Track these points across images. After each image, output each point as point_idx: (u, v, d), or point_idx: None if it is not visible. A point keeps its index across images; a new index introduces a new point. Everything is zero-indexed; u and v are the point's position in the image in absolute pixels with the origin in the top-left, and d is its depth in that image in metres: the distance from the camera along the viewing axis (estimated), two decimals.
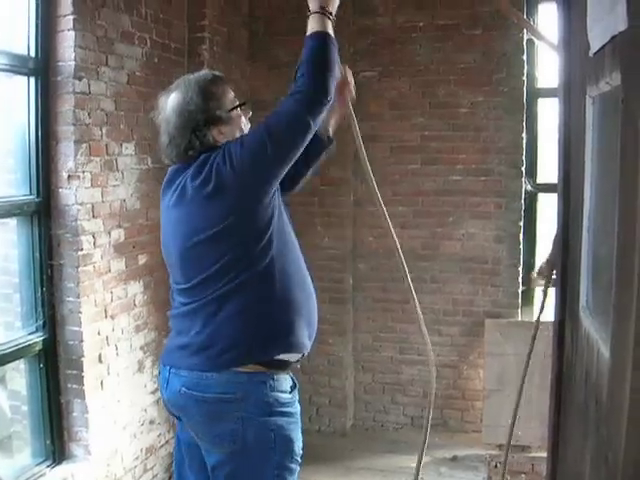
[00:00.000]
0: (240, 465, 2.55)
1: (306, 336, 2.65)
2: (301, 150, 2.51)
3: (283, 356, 2.59)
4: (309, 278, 2.71)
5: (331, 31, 2.59)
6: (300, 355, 2.67)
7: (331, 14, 2.61)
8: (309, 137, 2.50)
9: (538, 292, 5.61)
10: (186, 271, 2.61)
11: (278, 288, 2.55)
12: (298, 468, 2.65)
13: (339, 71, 2.63)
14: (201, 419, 2.57)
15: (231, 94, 2.68)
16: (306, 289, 2.67)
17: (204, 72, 2.75)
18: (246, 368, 2.52)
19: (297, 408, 2.65)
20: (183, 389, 2.56)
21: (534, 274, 3.16)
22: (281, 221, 2.60)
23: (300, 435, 2.64)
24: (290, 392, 2.63)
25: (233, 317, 2.51)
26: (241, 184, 2.45)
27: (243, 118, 2.71)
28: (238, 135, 2.63)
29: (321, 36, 2.55)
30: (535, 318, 3.51)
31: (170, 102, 2.62)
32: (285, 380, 2.62)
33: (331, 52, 2.54)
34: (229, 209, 2.47)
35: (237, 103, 2.69)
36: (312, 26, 2.58)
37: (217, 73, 2.74)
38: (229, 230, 2.47)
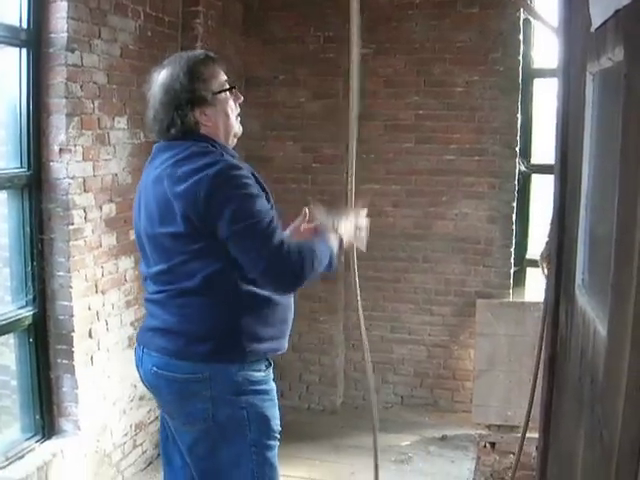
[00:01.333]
0: (214, 443, 2.55)
1: (277, 340, 2.63)
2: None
3: (254, 357, 2.56)
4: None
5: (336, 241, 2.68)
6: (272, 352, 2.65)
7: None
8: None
9: (531, 273, 5.63)
10: (154, 256, 2.59)
11: (245, 292, 2.50)
12: (277, 444, 2.65)
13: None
14: (172, 398, 2.58)
15: (222, 77, 2.63)
16: (283, 302, 2.63)
17: (199, 51, 2.72)
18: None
19: (272, 385, 2.63)
20: (154, 369, 2.56)
21: (540, 259, 3.13)
22: None
23: (277, 412, 2.63)
24: (264, 370, 2.61)
25: (200, 310, 2.49)
26: (207, 220, 2.41)
27: (231, 102, 2.65)
28: (223, 118, 2.60)
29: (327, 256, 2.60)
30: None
31: (159, 78, 2.58)
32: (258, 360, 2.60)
33: (322, 266, 2.57)
34: (194, 219, 2.41)
35: (226, 87, 2.64)
36: (327, 235, 2.67)
37: (211, 54, 2.69)
38: (194, 234, 2.44)
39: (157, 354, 2.56)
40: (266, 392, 2.60)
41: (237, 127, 2.69)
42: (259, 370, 2.58)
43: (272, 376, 2.66)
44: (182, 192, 2.40)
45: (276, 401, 2.64)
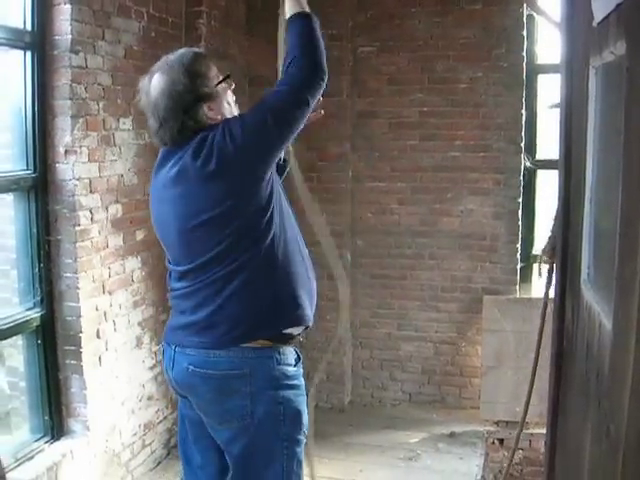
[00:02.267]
0: (252, 440, 2.56)
1: (308, 308, 2.65)
2: (300, 127, 2.53)
3: (288, 330, 2.60)
4: (307, 254, 2.72)
5: (308, 8, 2.62)
6: (304, 327, 2.68)
7: None
8: (308, 114, 2.53)
9: (537, 269, 5.62)
10: (187, 252, 2.58)
11: (279, 265, 2.55)
12: (305, 439, 2.67)
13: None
14: (210, 396, 2.57)
15: (214, 69, 2.64)
16: (305, 264, 2.68)
17: (184, 50, 2.69)
18: (252, 343, 2.52)
19: (302, 381, 2.67)
20: (191, 367, 2.55)
21: (542, 254, 3.12)
22: (280, 200, 2.59)
23: (306, 407, 2.66)
24: (295, 365, 2.64)
25: (237, 296, 2.50)
26: (243, 161, 2.44)
27: (229, 91, 2.68)
28: (227, 108, 2.62)
29: (304, 18, 2.58)
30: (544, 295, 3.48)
31: (156, 85, 2.56)
32: (290, 353, 2.63)
33: (317, 32, 2.57)
34: (232, 189, 2.45)
35: (221, 77, 2.65)
36: (290, 8, 2.62)
37: (197, 50, 2.72)
38: (231, 211, 2.46)
39: (194, 351, 2.55)
40: (299, 387, 2.63)
41: (237, 112, 2.72)
42: (292, 365, 2.61)
43: (302, 371, 2.69)
44: (211, 171, 2.43)
45: (305, 396, 2.66)
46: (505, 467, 4.04)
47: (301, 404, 2.62)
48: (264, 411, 2.53)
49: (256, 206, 2.48)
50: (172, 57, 2.63)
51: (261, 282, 2.52)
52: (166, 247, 2.71)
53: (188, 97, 2.52)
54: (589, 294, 1.96)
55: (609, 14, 1.63)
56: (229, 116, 2.62)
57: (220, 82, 2.63)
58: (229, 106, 2.65)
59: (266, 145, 2.48)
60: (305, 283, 2.64)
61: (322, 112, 2.86)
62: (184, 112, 2.52)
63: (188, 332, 2.58)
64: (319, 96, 2.54)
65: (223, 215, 2.46)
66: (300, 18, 2.57)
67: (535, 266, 5.63)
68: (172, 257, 2.68)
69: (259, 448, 2.58)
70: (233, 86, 2.72)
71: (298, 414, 2.60)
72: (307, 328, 2.71)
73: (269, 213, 2.51)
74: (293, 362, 2.63)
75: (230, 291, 2.50)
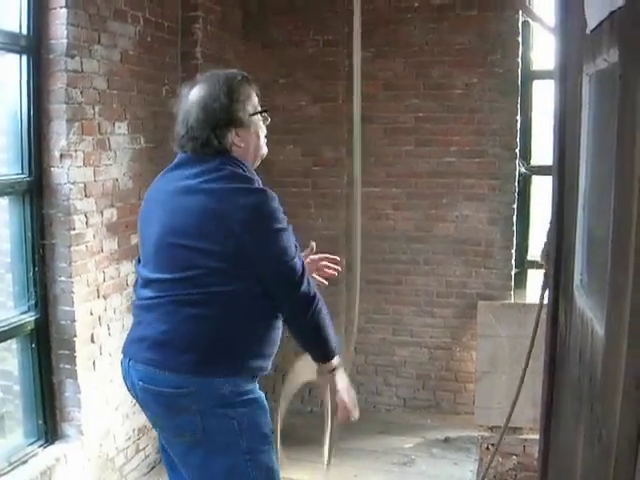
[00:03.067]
0: (207, 453, 2.51)
1: (267, 362, 2.63)
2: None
3: (244, 371, 2.56)
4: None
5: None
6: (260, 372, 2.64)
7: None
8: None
9: (532, 275, 5.63)
10: (160, 263, 2.55)
11: (251, 317, 2.52)
12: (271, 446, 2.61)
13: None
14: (159, 411, 2.55)
15: (255, 99, 2.65)
16: (279, 328, 2.65)
17: (235, 71, 2.70)
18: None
19: (259, 393, 2.60)
20: (140, 383, 2.52)
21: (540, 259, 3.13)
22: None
23: (267, 419, 2.60)
24: (251, 381, 2.58)
25: (194, 322, 2.46)
26: (248, 253, 2.44)
27: (262, 124, 2.68)
28: (254, 139, 2.63)
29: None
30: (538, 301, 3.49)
31: (195, 94, 2.57)
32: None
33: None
34: (226, 248, 2.43)
35: (259, 109, 2.66)
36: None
37: (246, 74, 2.69)
38: (214, 253, 2.43)
39: (143, 366, 2.51)
40: (254, 400, 2.56)
41: (265, 149, 2.73)
42: (246, 382, 2.55)
43: (258, 385, 2.63)
44: (222, 212, 2.41)
45: (266, 407, 2.60)
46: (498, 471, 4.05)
47: (259, 416, 2.56)
48: (216, 427, 2.48)
49: (240, 268, 2.47)
50: (220, 73, 2.65)
51: (225, 322, 2.47)
52: (143, 247, 2.69)
53: (221, 116, 2.52)
54: (582, 300, 1.97)
55: (602, 21, 1.64)
56: (253, 148, 2.63)
57: (256, 113, 2.63)
58: (257, 139, 2.65)
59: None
60: (272, 332, 2.61)
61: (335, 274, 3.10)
62: (212, 129, 2.52)
63: (140, 346, 2.54)
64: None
65: (212, 253, 2.43)
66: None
67: (530, 271, 5.65)
68: (145, 259, 2.65)
69: (217, 462, 2.52)
70: (268, 121, 2.72)
71: (256, 426, 2.54)
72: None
73: (252, 276, 2.49)
74: (250, 379, 2.58)
75: (189, 315, 2.46)
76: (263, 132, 2.69)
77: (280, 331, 2.67)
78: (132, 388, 2.61)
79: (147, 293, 2.58)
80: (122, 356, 2.65)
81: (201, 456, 2.53)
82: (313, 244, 2.91)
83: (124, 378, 2.65)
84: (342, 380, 2.68)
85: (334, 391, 2.68)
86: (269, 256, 2.46)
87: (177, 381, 2.45)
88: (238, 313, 2.48)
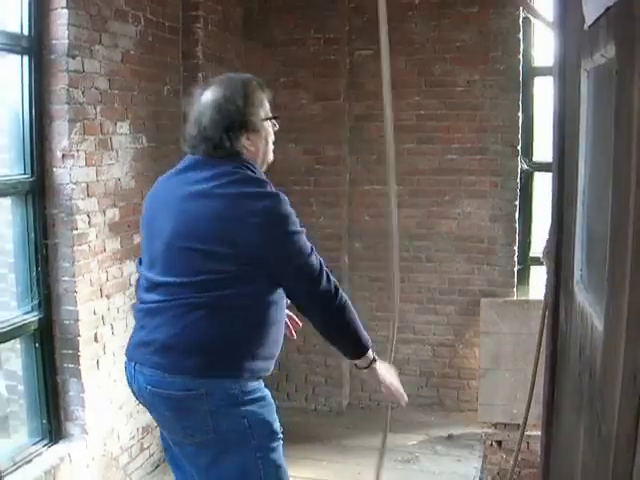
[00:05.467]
0: (217, 453, 2.53)
1: (271, 364, 2.65)
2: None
3: (247, 372, 2.56)
4: (284, 318, 2.74)
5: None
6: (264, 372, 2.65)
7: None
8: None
9: (535, 271, 5.64)
10: (168, 266, 2.55)
11: (258, 320, 2.54)
12: (280, 443, 2.64)
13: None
14: (169, 414, 2.55)
15: (267, 105, 2.66)
16: (281, 331, 2.68)
17: (250, 76, 2.72)
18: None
19: (265, 391, 2.61)
20: (148, 387, 2.53)
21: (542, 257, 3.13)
22: (271, 300, 2.59)
23: (275, 415, 2.61)
24: (256, 380, 2.60)
25: (203, 324, 2.46)
26: (259, 254, 2.46)
27: (271, 130, 2.70)
28: (263, 144, 2.64)
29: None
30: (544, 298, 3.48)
31: (209, 95, 2.58)
32: None
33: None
34: (237, 250, 2.44)
35: (271, 115, 2.68)
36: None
37: (260, 80, 2.72)
38: (228, 257, 2.45)
39: (150, 371, 2.51)
40: (262, 398, 2.58)
41: (271, 156, 2.74)
42: (252, 382, 2.57)
43: (263, 384, 2.65)
44: (236, 216, 2.43)
45: (273, 404, 2.63)
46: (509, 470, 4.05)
47: (267, 414, 2.57)
48: (227, 426, 2.50)
49: (252, 272, 2.48)
50: (236, 76, 2.67)
51: (231, 325, 2.48)
52: (147, 250, 2.67)
53: (235, 118, 2.54)
54: (582, 295, 1.97)
55: (599, 17, 1.64)
56: (262, 153, 2.65)
57: (268, 119, 2.66)
58: (266, 144, 2.67)
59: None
60: (275, 334, 2.62)
61: (293, 335, 3.02)
62: (226, 130, 2.53)
63: (146, 350, 2.54)
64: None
65: (225, 257, 2.45)
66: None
67: (532, 268, 5.65)
68: (150, 262, 2.63)
69: (227, 461, 2.53)
70: (277, 128, 2.73)
71: (266, 424, 2.56)
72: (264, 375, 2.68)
73: (263, 280, 2.51)
74: (255, 379, 2.59)
75: (196, 318, 2.46)
76: (272, 138, 2.70)
77: (283, 332, 2.70)
78: (139, 392, 2.61)
79: (153, 297, 2.58)
80: (126, 360, 2.66)
81: (211, 456, 2.55)
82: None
83: (129, 383, 2.66)
84: (383, 370, 2.82)
85: (378, 383, 2.82)
86: (286, 256, 2.48)
87: (187, 384, 2.46)
88: (246, 316, 2.50)
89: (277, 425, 2.61)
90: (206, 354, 2.47)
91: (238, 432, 2.51)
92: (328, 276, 2.54)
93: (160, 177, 2.76)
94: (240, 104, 2.54)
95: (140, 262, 2.73)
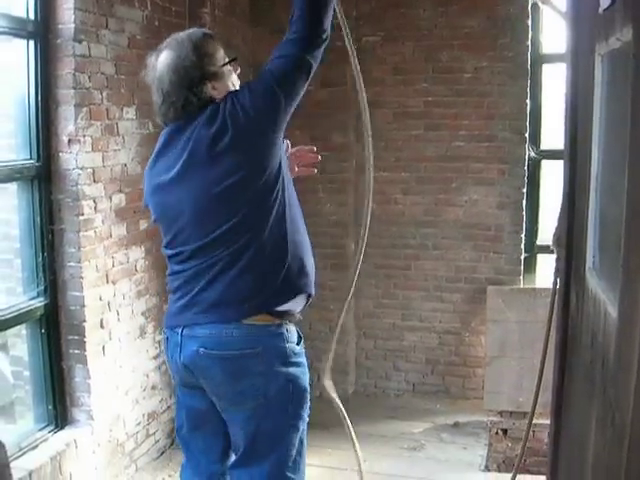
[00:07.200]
0: (262, 420, 2.59)
1: (312, 276, 2.70)
2: (305, 86, 2.57)
3: (291, 304, 2.62)
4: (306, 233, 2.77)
5: None
6: (306, 301, 2.72)
7: None
8: (312, 73, 2.57)
9: (542, 259, 5.62)
10: (200, 229, 2.56)
11: (289, 235, 2.58)
12: (308, 419, 2.71)
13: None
14: (222, 378, 2.57)
15: (221, 51, 2.67)
16: (307, 237, 2.73)
17: (194, 30, 2.73)
18: (259, 320, 2.54)
19: (305, 360, 2.69)
20: (202, 350, 2.54)
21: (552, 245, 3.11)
22: (287, 180, 2.62)
23: (308, 386, 2.68)
24: (298, 343, 2.67)
25: (249, 268, 2.52)
26: (254, 126, 2.47)
27: (234, 74, 2.70)
28: (231, 89, 2.64)
29: None
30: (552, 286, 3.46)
31: (163, 60, 2.59)
32: (294, 332, 2.66)
33: None
34: (246, 157, 2.48)
35: (227, 59, 2.68)
36: None
37: (207, 30, 2.76)
38: (244, 182, 2.47)
39: (202, 330, 2.55)
40: (304, 365, 2.66)
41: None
42: (296, 342, 2.64)
43: (304, 351, 2.72)
44: (222, 127, 2.47)
45: (308, 375, 2.69)
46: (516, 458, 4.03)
47: (306, 382, 2.65)
48: (275, 389, 2.55)
49: (267, 176, 2.50)
50: (181, 34, 2.65)
51: (271, 253, 2.54)
52: (174, 231, 2.66)
53: (194, 73, 2.54)
54: (594, 282, 1.95)
55: (615, 0, 1.62)
56: None
57: (227, 63, 2.66)
58: (233, 87, 2.66)
59: (274, 108, 2.49)
60: (309, 253, 2.69)
61: (315, 170, 3.15)
62: (188, 88, 2.54)
63: (196, 310, 2.57)
64: (321, 53, 2.58)
65: (236, 186, 2.47)
66: None
67: (539, 256, 5.63)
68: (181, 239, 2.64)
69: (270, 426, 2.59)
70: (239, 70, 2.74)
71: (304, 391, 2.64)
72: (310, 298, 2.74)
73: (279, 185, 2.54)
74: (297, 340, 2.66)
75: (243, 264, 2.51)
76: (237, 82, 2.71)
77: (309, 243, 2.74)
78: (190, 359, 2.60)
79: (192, 263, 2.60)
80: (167, 330, 2.69)
81: (257, 422, 2.60)
82: (287, 142, 2.87)
83: (172, 354, 2.67)
84: None
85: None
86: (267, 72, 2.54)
87: (243, 341, 2.52)
88: (276, 237, 2.55)
89: (309, 397, 2.69)
90: (262, 291, 2.55)
91: (282, 397, 2.58)
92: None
93: (146, 170, 2.76)
94: (194, 59, 2.55)
95: (167, 246, 2.72)
